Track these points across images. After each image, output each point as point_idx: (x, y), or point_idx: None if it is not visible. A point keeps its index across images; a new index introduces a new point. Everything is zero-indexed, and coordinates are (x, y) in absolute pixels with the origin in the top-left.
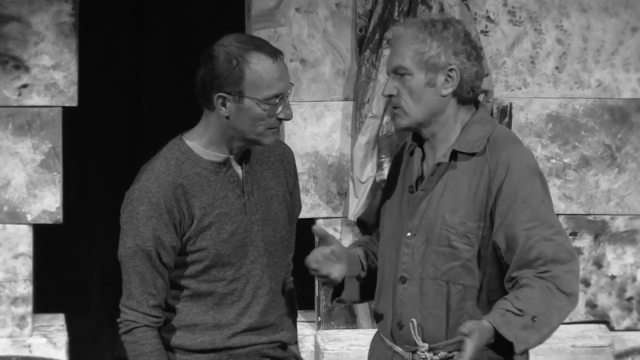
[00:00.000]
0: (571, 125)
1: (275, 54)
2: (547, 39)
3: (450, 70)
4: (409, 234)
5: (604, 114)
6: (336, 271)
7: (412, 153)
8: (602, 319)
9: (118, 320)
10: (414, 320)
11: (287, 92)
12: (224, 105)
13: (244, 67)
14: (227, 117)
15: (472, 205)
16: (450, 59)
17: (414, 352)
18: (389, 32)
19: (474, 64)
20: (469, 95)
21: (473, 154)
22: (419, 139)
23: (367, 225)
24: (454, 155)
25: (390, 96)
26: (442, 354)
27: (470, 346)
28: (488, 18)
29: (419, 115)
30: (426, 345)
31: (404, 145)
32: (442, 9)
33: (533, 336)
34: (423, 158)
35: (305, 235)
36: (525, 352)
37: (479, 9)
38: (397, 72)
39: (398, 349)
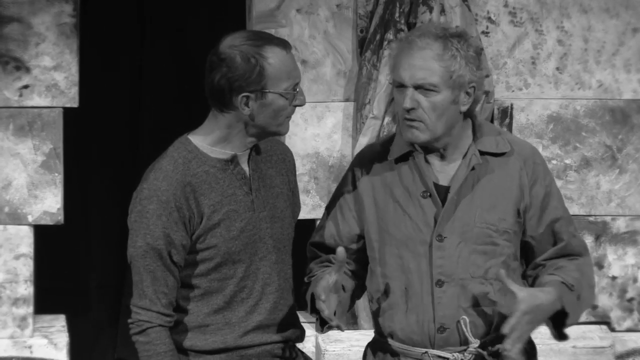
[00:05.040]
0: (572, 126)
1: (285, 44)
2: (548, 39)
3: (471, 87)
4: (438, 237)
5: (605, 114)
6: (332, 305)
7: (398, 161)
8: (603, 320)
9: (129, 320)
10: (465, 317)
11: (300, 78)
12: (247, 104)
13: (263, 63)
14: (250, 115)
15: (508, 202)
16: (473, 76)
17: (461, 351)
18: (389, 33)
19: (483, 75)
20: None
21: (502, 154)
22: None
23: (334, 245)
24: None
25: (410, 109)
26: (490, 349)
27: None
28: (489, 19)
29: (439, 130)
30: (478, 341)
31: (361, 160)
32: (443, 10)
33: (576, 314)
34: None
35: (305, 235)
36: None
37: (479, 10)
38: (423, 87)
39: (439, 352)
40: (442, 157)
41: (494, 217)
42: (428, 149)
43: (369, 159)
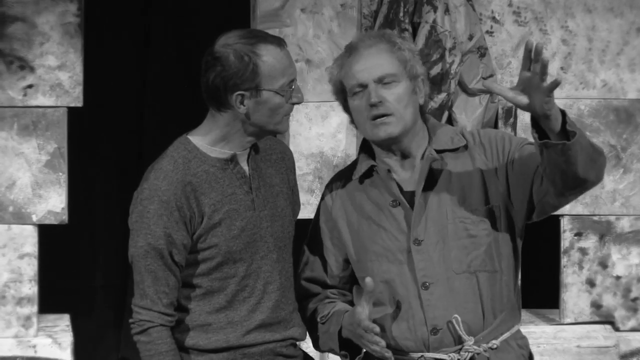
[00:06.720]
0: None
1: (279, 41)
2: (552, 39)
3: (422, 80)
4: (415, 242)
5: (609, 114)
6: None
7: (363, 179)
8: (607, 320)
9: (131, 320)
10: (457, 316)
11: (296, 75)
12: (242, 103)
13: (257, 61)
14: (246, 114)
15: (477, 192)
16: (421, 69)
17: (457, 351)
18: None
19: (426, 71)
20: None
21: (456, 149)
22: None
23: (327, 277)
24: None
25: (374, 106)
26: (485, 345)
27: None
28: (493, 18)
29: (409, 120)
30: (472, 338)
31: (330, 187)
32: (447, 9)
33: (576, 127)
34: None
35: (306, 234)
36: (573, 140)
37: (484, 10)
38: (383, 81)
39: (434, 355)
40: (403, 163)
41: (467, 210)
42: (391, 151)
43: (337, 185)
